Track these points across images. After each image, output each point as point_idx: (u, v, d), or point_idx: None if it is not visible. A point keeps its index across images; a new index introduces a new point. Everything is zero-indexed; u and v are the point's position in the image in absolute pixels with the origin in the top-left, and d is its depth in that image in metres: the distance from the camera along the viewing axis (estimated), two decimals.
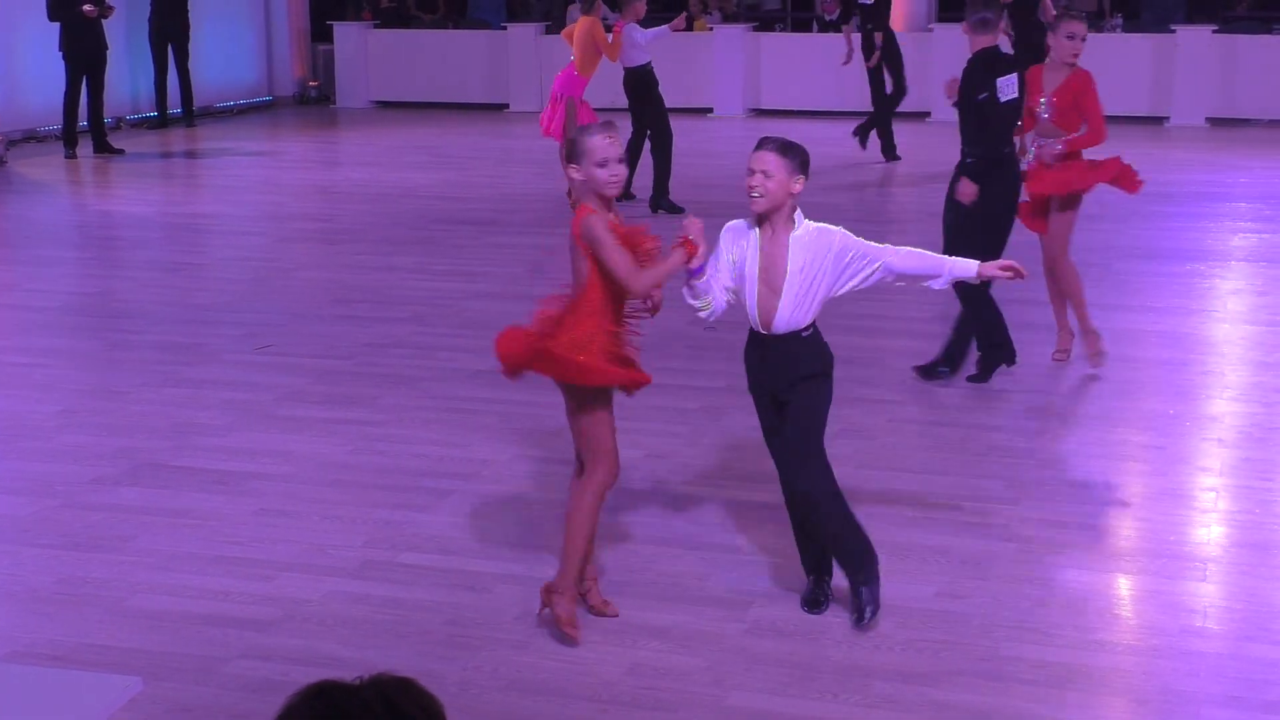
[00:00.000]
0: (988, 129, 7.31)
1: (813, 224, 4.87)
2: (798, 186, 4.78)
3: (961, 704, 4.46)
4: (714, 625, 4.95)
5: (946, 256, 5.18)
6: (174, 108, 18.31)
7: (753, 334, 4.97)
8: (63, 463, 6.56)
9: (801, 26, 21.64)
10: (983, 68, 7.34)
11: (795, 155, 4.78)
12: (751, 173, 4.76)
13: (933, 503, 6.01)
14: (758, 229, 4.85)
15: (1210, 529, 5.79)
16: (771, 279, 4.83)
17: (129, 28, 17.70)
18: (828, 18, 19.47)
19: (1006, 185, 7.42)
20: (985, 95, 7.25)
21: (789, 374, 4.91)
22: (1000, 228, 7.38)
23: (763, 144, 4.82)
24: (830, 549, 5.02)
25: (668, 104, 13.04)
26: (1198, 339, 8.56)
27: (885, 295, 9.36)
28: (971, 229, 7.21)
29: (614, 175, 4.77)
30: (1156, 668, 4.69)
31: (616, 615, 5.01)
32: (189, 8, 18.07)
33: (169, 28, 17.85)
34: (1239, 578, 5.37)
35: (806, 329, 4.89)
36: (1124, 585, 5.34)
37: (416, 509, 6.00)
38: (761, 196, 4.75)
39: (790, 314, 4.84)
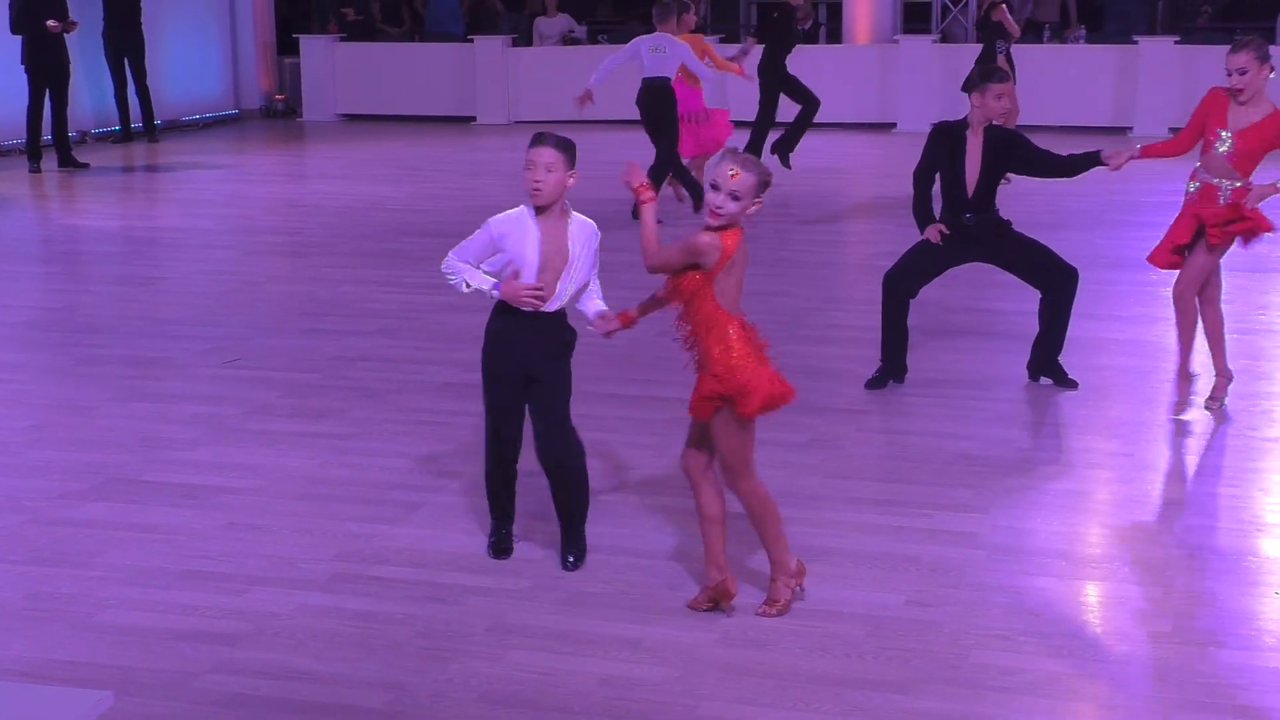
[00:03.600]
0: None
1: (577, 214, 5.30)
2: (573, 180, 5.19)
3: (932, 712, 4.48)
4: (686, 636, 4.96)
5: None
6: (136, 121, 18.24)
7: (514, 316, 5.28)
8: (30, 478, 6.53)
9: None
10: None
11: (571, 150, 5.19)
12: (533, 166, 5.12)
13: (901, 511, 6.04)
14: (534, 219, 5.22)
15: (1177, 536, 5.83)
16: (554, 262, 5.23)
17: (88, 42, 17.61)
18: (801, 29, 19.53)
19: None
20: None
21: (548, 348, 5.34)
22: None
23: (541, 140, 5.19)
24: (579, 501, 5.49)
25: (634, 116, 13.06)
26: (1163, 347, 8.62)
27: (853, 306, 9.40)
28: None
29: (717, 205, 4.88)
30: (1125, 674, 4.72)
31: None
32: (143, 21, 17.97)
33: (122, 41, 17.75)
34: (1205, 584, 5.41)
35: (564, 307, 5.35)
36: (1092, 592, 5.38)
37: (386, 522, 5.99)
38: (541, 190, 5.15)
39: (564, 292, 5.28)
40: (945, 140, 7.52)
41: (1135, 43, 18.09)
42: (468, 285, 5.33)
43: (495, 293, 5.29)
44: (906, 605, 5.18)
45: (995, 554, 5.62)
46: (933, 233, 7.51)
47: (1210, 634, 4.99)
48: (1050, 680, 4.66)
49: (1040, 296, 7.68)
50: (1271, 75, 7.13)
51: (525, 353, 5.32)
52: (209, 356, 8.48)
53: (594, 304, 5.41)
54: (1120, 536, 5.88)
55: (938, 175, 7.57)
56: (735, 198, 4.82)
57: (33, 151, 15.76)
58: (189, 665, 4.79)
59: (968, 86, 7.58)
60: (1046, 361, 7.72)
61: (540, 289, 5.23)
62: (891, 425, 7.22)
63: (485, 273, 5.34)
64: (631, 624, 5.04)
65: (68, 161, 15.95)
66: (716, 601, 5.09)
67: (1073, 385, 7.66)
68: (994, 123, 7.51)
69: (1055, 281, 7.61)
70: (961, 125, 7.49)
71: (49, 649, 4.92)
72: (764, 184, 4.88)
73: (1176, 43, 18.16)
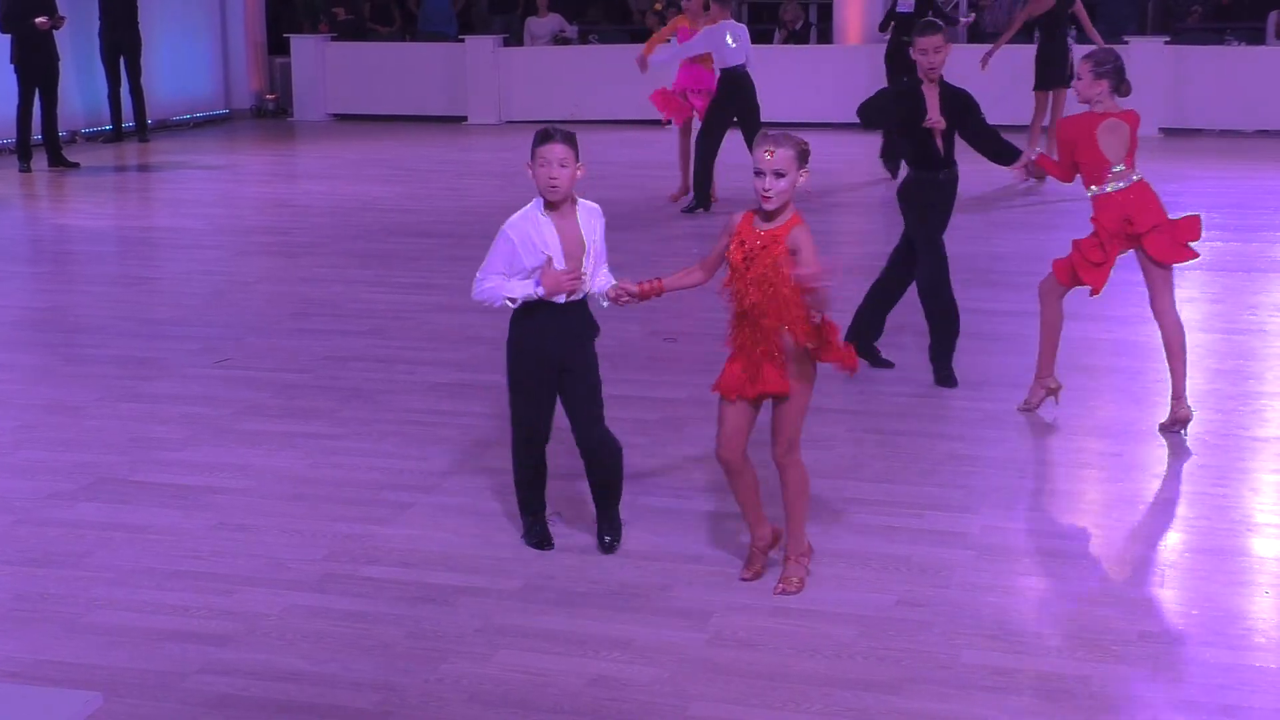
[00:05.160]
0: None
1: (581, 200, 5.38)
2: (580, 172, 5.29)
3: (922, 711, 4.48)
4: (676, 636, 4.96)
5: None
6: (127, 121, 18.21)
7: (541, 311, 5.31)
8: (19, 478, 6.51)
9: (763, 38, 21.68)
10: None
11: (577, 143, 5.29)
12: (547, 164, 5.18)
13: (892, 512, 6.04)
14: (544, 214, 5.26)
15: (1167, 535, 5.84)
16: (574, 251, 5.29)
17: (79, 40, 17.59)
18: (793, 28, 19.57)
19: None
20: None
21: (578, 336, 5.40)
22: None
23: (550, 137, 5.24)
24: (617, 481, 5.62)
25: (624, 115, 13.06)
26: (1153, 347, 8.60)
27: (842, 305, 9.40)
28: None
29: (765, 188, 4.96)
30: (1115, 673, 4.72)
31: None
32: (139, 20, 17.97)
33: (120, 40, 17.74)
34: (1196, 583, 5.42)
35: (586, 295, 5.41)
36: (1082, 591, 5.38)
37: (376, 522, 5.98)
38: (559, 186, 5.21)
39: (590, 278, 5.35)
40: (905, 100, 7.56)
41: (1126, 43, 18.10)
42: (510, 300, 5.32)
43: (539, 290, 5.27)
44: (897, 605, 5.18)
45: (986, 554, 5.63)
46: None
47: (1200, 633, 5.00)
48: (1040, 680, 4.66)
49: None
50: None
51: (556, 345, 5.37)
52: (199, 357, 8.47)
53: (604, 279, 5.43)
54: (1110, 536, 5.88)
55: (902, 142, 7.67)
56: (780, 175, 4.93)
57: (23, 151, 15.73)
58: (178, 666, 4.78)
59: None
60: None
61: (579, 270, 5.29)
62: (882, 425, 7.22)
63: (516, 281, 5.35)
64: (622, 624, 5.04)
65: (58, 161, 15.92)
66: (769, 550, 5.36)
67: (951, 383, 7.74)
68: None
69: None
70: (915, 83, 7.56)
71: (38, 649, 4.91)
72: (802, 153, 4.98)
73: (1166, 43, 18.19)
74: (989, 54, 14.38)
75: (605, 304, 5.44)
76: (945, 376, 7.74)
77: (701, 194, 12.76)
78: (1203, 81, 17.91)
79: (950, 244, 7.86)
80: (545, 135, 5.26)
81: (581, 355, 5.44)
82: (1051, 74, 14.67)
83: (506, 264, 5.32)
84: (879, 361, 7.96)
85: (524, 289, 5.30)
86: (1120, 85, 6.95)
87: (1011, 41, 15.02)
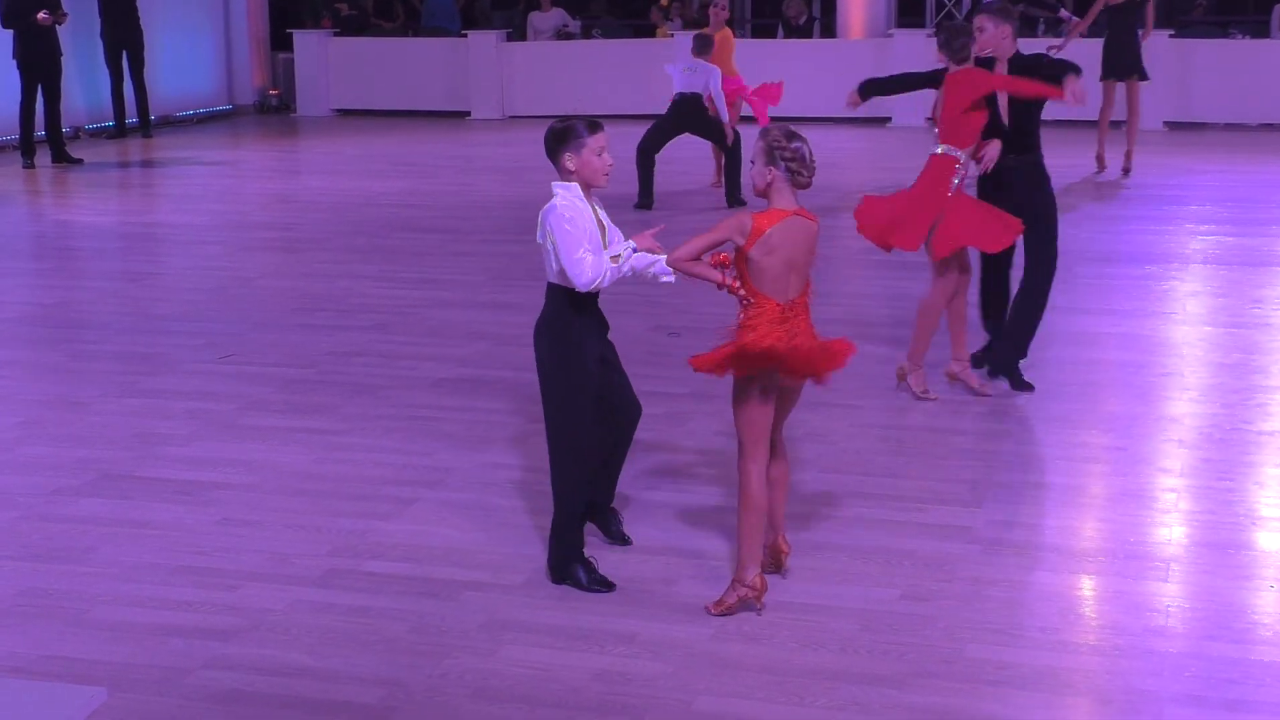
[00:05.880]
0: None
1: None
2: None
3: (927, 706, 4.48)
4: (681, 630, 4.95)
5: None
6: (131, 117, 18.21)
7: (590, 305, 5.22)
8: (23, 474, 6.51)
9: (766, 33, 21.69)
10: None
11: None
12: (604, 152, 5.17)
13: (896, 506, 6.03)
14: (583, 201, 5.18)
15: (1171, 529, 5.84)
16: (606, 241, 5.24)
17: (81, 36, 17.58)
18: (796, 23, 19.56)
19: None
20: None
21: (606, 327, 5.34)
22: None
23: (600, 126, 5.23)
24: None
25: (628, 110, 13.10)
26: (1157, 341, 8.63)
27: (845, 300, 9.40)
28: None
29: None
30: (1120, 667, 4.72)
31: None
32: (139, 15, 17.96)
33: (122, 36, 17.74)
34: (1200, 577, 5.41)
35: None
36: (1087, 586, 5.38)
37: (380, 517, 5.98)
38: (610, 173, 5.24)
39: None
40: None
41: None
42: (632, 270, 5.20)
43: (635, 245, 5.19)
44: (901, 599, 5.18)
45: (990, 548, 5.62)
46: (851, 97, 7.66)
47: (1206, 627, 4.99)
48: (1045, 674, 4.66)
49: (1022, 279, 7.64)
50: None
51: (599, 339, 5.30)
52: (202, 352, 8.47)
53: (627, 246, 5.33)
54: (1115, 530, 5.87)
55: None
56: (752, 163, 5.03)
57: (26, 147, 15.73)
58: (182, 661, 4.78)
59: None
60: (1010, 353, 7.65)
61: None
62: (886, 419, 7.21)
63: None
64: (626, 619, 5.04)
65: (61, 157, 15.92)
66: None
67: (1028, 388, 7.56)
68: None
69: (1040, 258, 7.53)
70: (988, 62, 7.42)
71: (42, 645, 4.91)
72: (767, 149, 4.96)
73: (1171, 36, 18.15)
74: (1062, 45, 14.31)
75: (671, 279, 5.31)
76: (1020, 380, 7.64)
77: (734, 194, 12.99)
78: (1207, 75, 17.89)
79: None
80: (595, 124, 5.21)
81: (609, 343, 5.38)
82: (1120, 64, 14.59)
83: (592, 239, 5.12)
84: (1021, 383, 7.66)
85: (625, 254, 5.15)
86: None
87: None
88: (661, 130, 13.10)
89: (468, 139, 18.39)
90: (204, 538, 5.79)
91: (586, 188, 5.20)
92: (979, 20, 7.39)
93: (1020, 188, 7.38)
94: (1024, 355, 7.60)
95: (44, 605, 5.21)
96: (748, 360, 4.93)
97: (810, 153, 4.97)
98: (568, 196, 5.16)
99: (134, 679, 4.67)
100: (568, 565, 5.29)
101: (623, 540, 5.63)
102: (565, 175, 5.17)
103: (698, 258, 4.98)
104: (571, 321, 5.18)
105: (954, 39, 7.25)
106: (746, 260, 4.95)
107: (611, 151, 5.21)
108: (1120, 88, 14.54)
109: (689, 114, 13.07)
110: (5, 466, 6.63)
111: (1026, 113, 7.36)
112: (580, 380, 5.20)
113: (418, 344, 8.59)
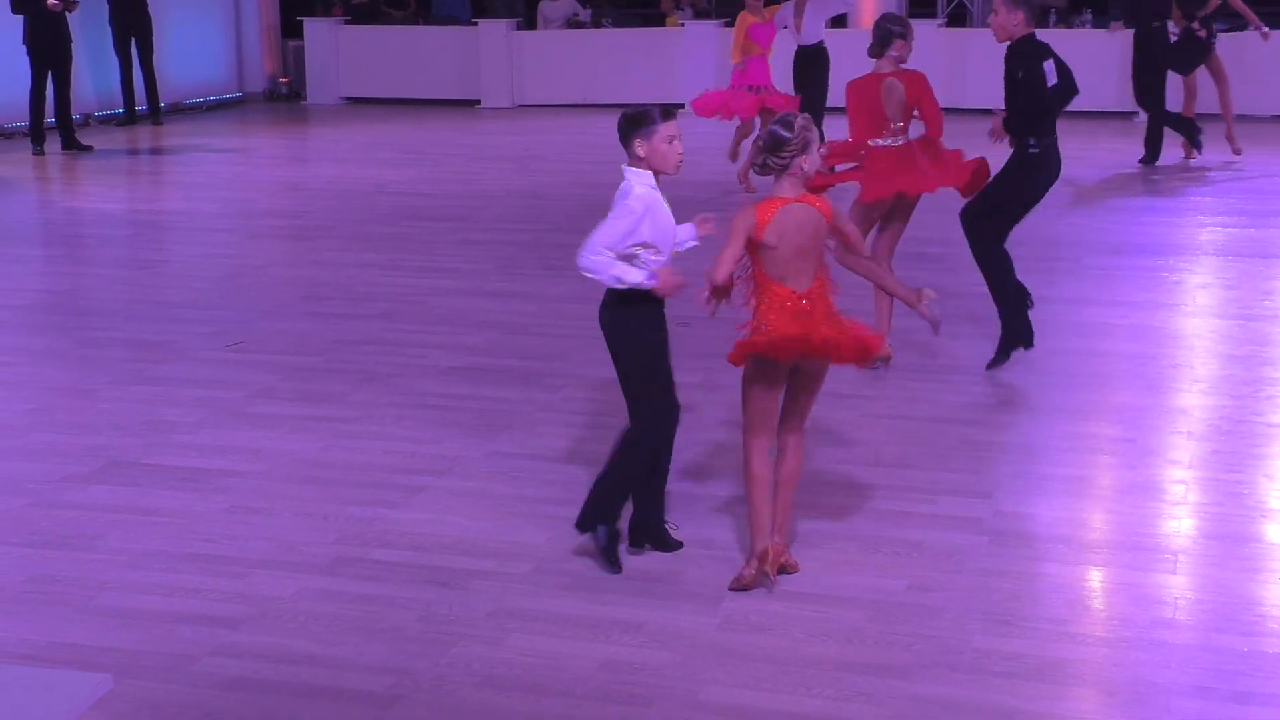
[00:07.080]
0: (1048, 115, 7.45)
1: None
2: None
3: (934, 697, 4.47)
4: (687, 620, 4.95)
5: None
6: (140, 104, 18.22)
7: (653, 299, 5.19)
8: (32, 461, 6.52)
9: None
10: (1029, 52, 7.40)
11: None
12: (677, 139, 5.10)
13: (904, 497, 6.02)
14: (659, 191, 5.15)
15: (1180, 521, 5.82)
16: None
17: (90, 24, 17.58)
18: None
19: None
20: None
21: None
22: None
23: (672, 113, 5.16)
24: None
25: (637, 99, 13.06)
26: (1167, 333, 8.60)
27: (851, 291, 9.38)
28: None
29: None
30: (1127, 659, 4.71)
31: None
32: (148, 2, 17.95)
33: (131, 23, 17.74)
34: (1208, 569, 5.40)
35: None
36: (1095, 577, 5.37)
37: (388, 505, 5.98)
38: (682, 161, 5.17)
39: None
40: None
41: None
42: (619, 281, 5.13)
43: (652, 283, 5.11)
44: (909, 590, 5.17)
45: (998, 539, 5.61)
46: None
47: (1214, 619, 4.98)
48: (1052, 665, 4.65)
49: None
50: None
51: (664, 325, 5.32)
52: (211, 340, 8.47)
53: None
54: (1123, 522, 5.86)
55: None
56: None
57: (36, 134, 15.74)
58: (189, 648, 4.79)
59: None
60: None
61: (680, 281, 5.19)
62: (894, 410, 7.20)
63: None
64: (633, 608, 5.03)
65: (71, 144, 15.93)
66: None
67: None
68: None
69: None
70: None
71: (50, 632, 4.92)
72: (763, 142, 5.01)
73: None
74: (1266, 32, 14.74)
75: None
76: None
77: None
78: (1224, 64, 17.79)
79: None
80: (669, 112, 5.13)
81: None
82: (1182, 59, 15.09)
83: (623, 239, 5.08)
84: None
85: (635, 277, 5.08)
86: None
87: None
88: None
89: (478, 128, 18.37)
90: (212, 525, 5.80)
91: (657, 175, 5.14)
92: (996, 2, 7.45)
93: (1004, 170, 7.60)
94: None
95: (52, 592, 5.22)
96: (777, 349, 4.98)
97: (785, 136, 4.96)
98: (644, 185, 5.11)
99: (142, 666, 4.67)
100: (599, 520, 5.31)
101: (676, 546, 5.54)
102: (635, 161, 5.12)
103: (732, 275, 5.04)
104: (646, 307, 5.21)
105: (873, 36, 7.69)
106: (759, 249, 4.97)
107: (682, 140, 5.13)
108: (1194, 77, 15.03)
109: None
110: (14, 453, 6.64)
111: (1012, 98, 7.46)
112: (656, 361, 5.28)
113: (426, 332, 8.59)
